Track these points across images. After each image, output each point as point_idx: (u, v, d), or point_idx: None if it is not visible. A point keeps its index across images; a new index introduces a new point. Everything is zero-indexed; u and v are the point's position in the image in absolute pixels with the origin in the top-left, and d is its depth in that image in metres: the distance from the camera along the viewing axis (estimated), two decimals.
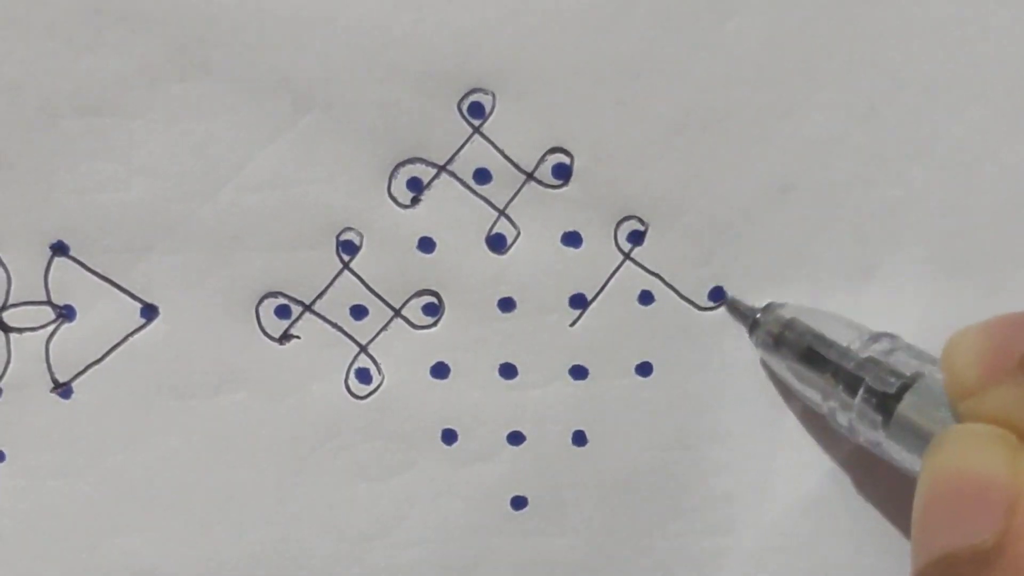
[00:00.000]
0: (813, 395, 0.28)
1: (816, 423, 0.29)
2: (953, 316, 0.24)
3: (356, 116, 0.28)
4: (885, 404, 0.25)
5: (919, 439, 0.24)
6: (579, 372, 0.30)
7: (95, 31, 0.27)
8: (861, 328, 0.28)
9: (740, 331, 0.30)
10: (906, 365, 0.26)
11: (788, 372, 0.29)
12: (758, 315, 0.29)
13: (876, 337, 0.27)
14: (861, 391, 0.26)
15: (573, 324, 0.30)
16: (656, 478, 0.30)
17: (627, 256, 0.30)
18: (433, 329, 0.30)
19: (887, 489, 0.29)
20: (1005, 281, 0.30)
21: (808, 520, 0.30)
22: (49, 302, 0.28)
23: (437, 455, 0.30)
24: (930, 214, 0.30)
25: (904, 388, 0.25)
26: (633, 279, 0.30)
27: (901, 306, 0.30)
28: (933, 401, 0.24)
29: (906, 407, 0.25)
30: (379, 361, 0.30)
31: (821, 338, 0.28)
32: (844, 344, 0.27)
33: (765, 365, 0.30)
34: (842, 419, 0.27)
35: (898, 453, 0.25)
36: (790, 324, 0.29)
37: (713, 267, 0.30)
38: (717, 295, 0.30)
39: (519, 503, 0.30)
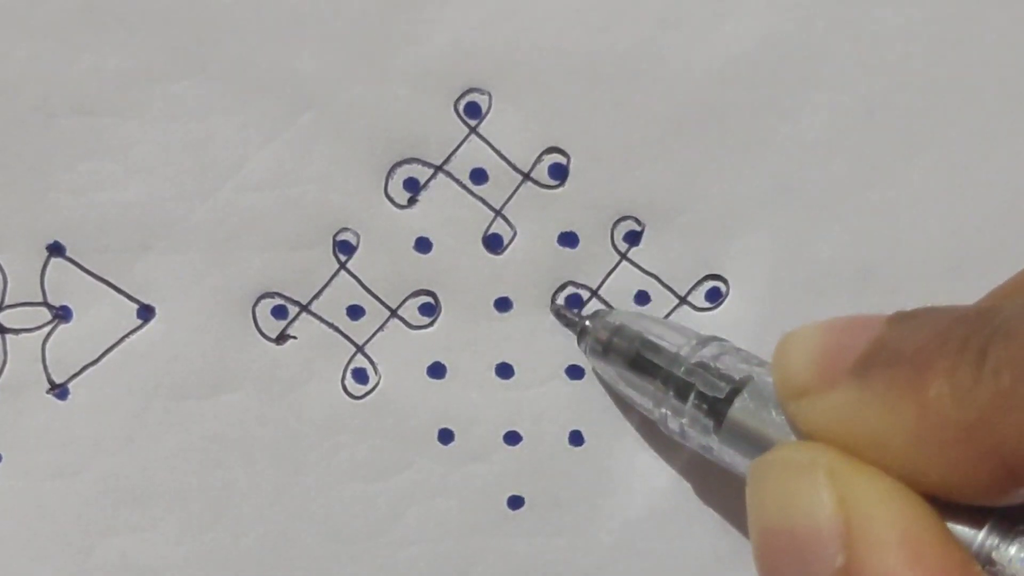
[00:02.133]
0: (644, 401, 0.27)
1: (655, 433, 0.29)
2: None
3: (353, 116, 0.28)
4: (716, 409, 0.25)
5: (750, 443, 0.23)
6: (575, 372, 0.30)
7: (91, 31, 0.27)
8: (689, 332, 0.27)
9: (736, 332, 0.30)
10: (735, 369, 0.25)
11: (619, 379, 0.28)
12: (586, 322, 0.29)
13: (704, 341, 0.27)
14: (692, 396, 0.25)
15: (569, 324, 0.30)
16: (652, 478, 0.30)
17: (623, 256, 0.30)
18: (430, 329, 0.30)
19: (725, 494, 0.29)
20: (1004, 280, 0.30)
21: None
22: (45, 303, 0.28)
23: (434, 455, 0.30)
24: (930, 214, 0.30)
25: (734, 392, 0.24)
26: (630, 279, 0.30)
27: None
28: (764, 404, 0.23)
29: (737, 411, 0.24)
30: (376, 361, 0.30)
31: (650, 343, 0.27)
32: (673, 349, 0.27)
33: (596, 373, 0.30)
34: (674, 425, 0.26)
35: (731, 457, 0.24)
36: (619, 330, 0.28)
37: (710, 268, 0.30)
38: (714, 296, 0.30)
39: (516, 503, 0.30)
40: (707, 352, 0.26)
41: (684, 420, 0.26)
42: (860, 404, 0.19)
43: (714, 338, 0.27)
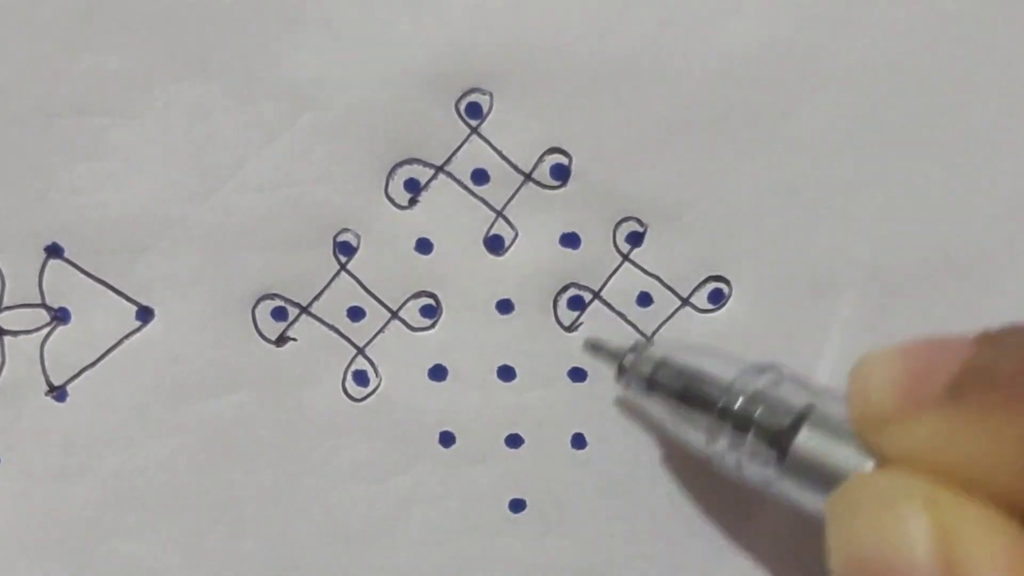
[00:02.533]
0: (695, 438, 0.26)
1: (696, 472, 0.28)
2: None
3: (353, 117, 0.28)
4: (779, 440, 0.23)
5: (818, 476, 0.22)
6: (578, 374, 0.30)
7: (91, 31, 0.27)
8: (739, 360, 0.26)
9: (738, 334, 0.30)
10: (795, 397, 0.24)
11: (667, 416, 0.27)
12: (626, 356, 0.28)
13: (759, 368, 0.25)
14: (753, 428, 0.24)
15: (571, 326, 0.30)
16: (654, 480, 0.30)
17: (626, 257, 0.29)
18: (431, 331, 0.29)
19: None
20: (1005, 281, 0.30)
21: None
22: (44, 305, 0.28)
23: (435, 457, 0.30)
24: (930, 214, 0.30)
25: (798, 421, 0.23)
26: (632, 280, 0.30)
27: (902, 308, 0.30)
28: (831, 433, 0.22)
29: (802, 442, 0.23)
30: (376, 363, 0.29)
31: (699, 375, 0.26)
32: (726, 379, 0.25)
33: (639, 411, 0.28)
34: (731, 460, 0.25)
35: (796, 491, 0.23)
36: (663, 363, 0.27)
37: (713, 269, 0.30)
38: (717, 297, 0.30)
39: (517, 506, 0.30)
40: (763, 380, 0.25)
41: (742, 454, 0.25)
42: (954, 430, 0.18)
43: (768, 365, 0.26)
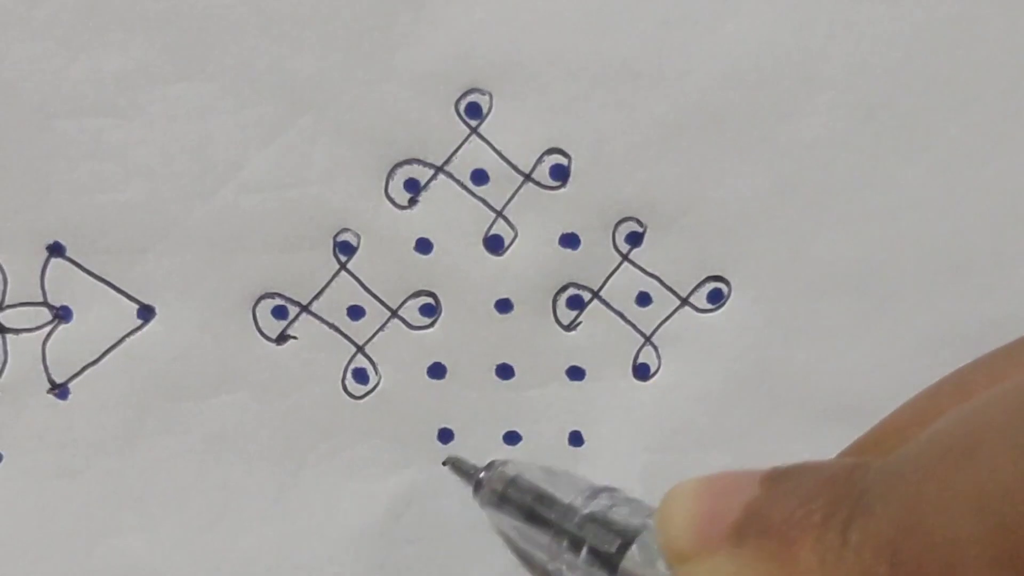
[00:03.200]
0: (540, 555, 0.27)
1: None
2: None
3: (353, 117, 0.28)
4: (609, 562, 0.24)
5: None
6: (576, 373, 0.30)
7: (92, 31, 0.27)
8: (582, 483, 0.27)
9: (738, 334, 0.30)
10: (627, 521, 0.25)
11: (514, 532, 0.28)
12: (481, 474, 0.29)
13: (595, 493, 0.26)
14: (584, 550, 0.25)
15: (570, 325, 0.30)
16: (651, 479, 0.30)
17: (625, 257, 0.29)
18: (430, 330, 0.30)
19: None
20: (1005, 281, 0.30)
21: None
22: (45, 303, 0.28)
23: (434, 455, 0.30)
24: (930, 214, 0.30)
25: (625, 546, 0.24)
26: (631, 280, 0.30)
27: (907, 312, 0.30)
28: (655, 557, 0.23)
29: (628, 565, 0.24)
30: (376, 361, 0.30)
31: (544, 496, 0.27)
32: (566, 501, 0.26)
33: (495, 525, 0.29)
34: None
35: None
36: (513, 482, 0.28)
37: (712, 269, 0.30)
38: (716, 297, 0.30)
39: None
40: (599, 503, 0.26)
41: (579, 574, 0.25)
42: (736, 572, 0.19)
43: (605, 488, 0.27)
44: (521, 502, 0.27)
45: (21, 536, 0.29)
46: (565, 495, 0.27)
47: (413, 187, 0.29)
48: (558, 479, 0.28)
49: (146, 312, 0.29)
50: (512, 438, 0.30)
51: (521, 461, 0.29)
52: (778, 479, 0.20)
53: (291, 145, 0.28)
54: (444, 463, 0.30)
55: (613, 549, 0.24)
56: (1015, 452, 0.16)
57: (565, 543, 0.26)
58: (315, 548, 0.30)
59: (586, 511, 0.26)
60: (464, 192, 0.29)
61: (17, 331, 0.28)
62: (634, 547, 0.24)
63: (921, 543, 0.16)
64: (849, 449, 0.22)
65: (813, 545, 0.18)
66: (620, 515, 0.25)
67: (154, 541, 0.29)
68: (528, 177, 0.29)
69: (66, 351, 0.28)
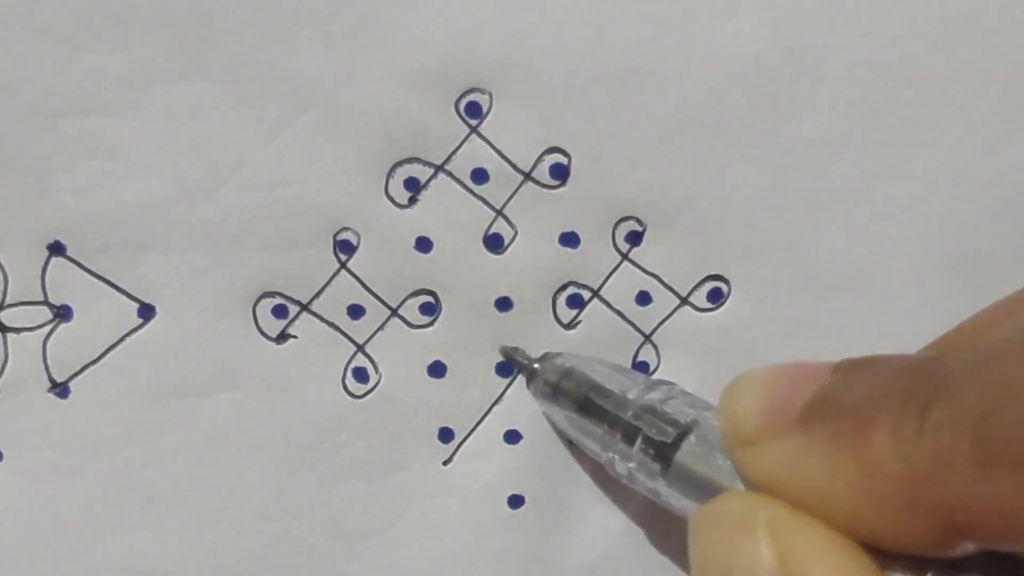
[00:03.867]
0: (593, 445, 0.27)
1: (606, 476, 0.28)
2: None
3: (353, 116, 0.28)
4: (663, 453, 0.24)
5: (697, 488, 0.23)
6: None
7: (93, 30, 0.27)
8: (638, 377, 0.27)
9: (738, 333, 0.30)
10: (683, 412, 0.25)
11: (567, 423, 0.28)
12: (535, 364, 0.29)
13: (653, 384, 0.26)
14: (639, 440, 0.25)
15: (570, 324, 0.30)
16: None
17: (625, 257, 0.30)
18: (430, 328, 0.30)
19: (678, 538, 0.29)
20: (1005, 281, 0.30)
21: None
22: (46, 302, 0.28)
23: (434, 454, 0.30)
24: (930, 214, 0.30)
25: (681, 436, 0.24)
26: (631, 279, 0.30)
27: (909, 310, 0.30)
28: (711, 449, 0.23)
29: (683, 456, 0.24)
30: (376, 360, 0.30)
31: (598, 387, 0.27)
32: (621, 393, 0.26)
33: (547, 417, 0.29)
34: (621, 469, 0.26)
35: (678, 501, 0.24)
36: (568, 373, 0.28)
37: (712, 268, 0.30)
38: (716, 296, 0.30)
39: (516, 501, 0.30)
40: (655, 396, 0.26)
41: (632, 464, 0.25)
42: (803, 456, 0.19)
43: (663, 382, 0.27)
44: (575, 393, 0.27)
45: (21, 535, 0.29)
46: (621, 387, 0.27)
47: (413, 186, 0.29)
48: (613, 372, 0.28)
49: (147, 311, 0.29)
50: (513, 436, 0.30)
51: (576, 354, 0.29)
52: (852, 366, 0.19)
53: (291, 144, 0.28)
54: (499, 351, 0.29)
55: (669, 439, 0.24)
56: None
57: (619, 434, 0.26)
58: (315, 547, 0.30)
59: (642, 402, 0.26)
60: (464, 191, 0.29)
61: (18, 330, 0.28)
62: (691, 437, 0.24)
63: (1012, 420, 0.16)
64: (924, 350, 0.22)
65: (889, 427, 0.17)
66: (676, 407, 0.25)
67: (154, 540, 0.29)
68: (528, 176, 0.29)
69: (67, 350, 0.29)
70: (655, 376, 0.29)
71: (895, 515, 0.17)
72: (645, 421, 0.25)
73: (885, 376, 0.18)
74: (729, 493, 0.21)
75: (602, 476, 0.29)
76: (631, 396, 0.26)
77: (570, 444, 0.30)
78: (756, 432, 0.20)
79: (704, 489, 0.22)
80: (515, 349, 0.29)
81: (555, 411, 0.28)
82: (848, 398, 0.18)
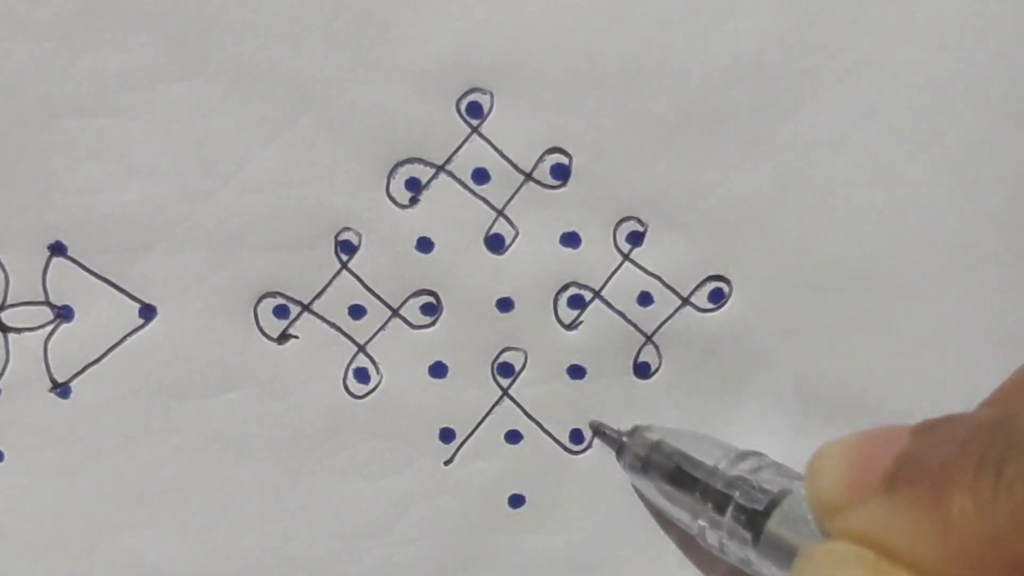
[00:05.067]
0: (683, 516, 0.28)
1: (694, 547, 0.29)
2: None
3: (354, 116, 0.28)
4: (754, 522, 0.25)
5: (789, 556, 0.24)
6: (577, 372, 0.30)
7: (93, 31, 0.27)
8: (727, 447, 0.28)
9: (739, 333, 0.30)
10: (773, 482, 0.26)
11: (658, 494, 0.29)
12: (624, 439, 0.30)
13: (743, 455, 0.27)
14: (730, 509, 0.26)
15: (572, 324, 0.30)
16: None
17: (626, 257, 0.30)
18: (431, 329, 0.30)
19: None
20: (1005, 280, 0.30)
21: None
22: (47, 302, 0.28)
23: (435, 454, 0.30)
24: (931, 212, 0.30)
25: (772, 505, 0.25)
26: (632, 280, 0.30)
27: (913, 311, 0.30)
28: (801, 517, 0.24)
29: (775, 524, 0.24)
30: (377, 361, 0.30)
31: (688, 458, 0.28)
32: (711, 463, 0.27)
33: (636, 489, 0.30)
34: (712, 538, 0.27)
35: (769, 570, 0.25)
36: (657, 446, 0.29)
37: (713, 268, 0.30)
38: (717, 297, 0.30)
39: (517, 501, 0.31)
40: (745, 466, 0.27)
41: (723, 533, 0.26)
42: (889, 521, 0.19)
43: (753, 452, 0.27)
44: (666, 465, 0.28)
45: (22, 535, 0.29)
46: (710, 458, 0.27)
47: (414, 186, 0.29)
48: (701, 443, 0.28)
49: (148, 311, 0.29)
50: (513, 437, 0.30)
51: (663, 427, 0.30)
52: (929, 429, 0.20)
53: (292, 144, 0.28)
54: (589, 426, 0.30)
55: (761, 507, 0.25)
56: None
57: (710, 504, 0.27)
58: (316, 547, 0.30)
59: (732, 472, 0.27)
60: (465, 191, 0.29)
61: (19, 330, 0.28)
62: (783, 506, 0.24)
63: None
64: (987, 402, 0.22)
65: (968, 487, 0.18)
66: (767, 477, 0.26)
67: (155, 540, 0.29)
68: (529, 176, 0.29)
69: (68, 350, 0.29)
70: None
71: (980, 573, 0.18)
72: (737, 489, 0.26)
73: (963, 435, 0.19)
74: (832, 541, 0.22)
75: (691, 547, 0.30)
76: (721, 467, 0.27)
77: (658, 515, 0.30)
78: (842, 500, 0.21)
79: (795, 557, 0.23)
80: (603, 424, 0.30)
81: (645, 483, 0.29)
82: (928, 460, 0.19)
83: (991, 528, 0.18)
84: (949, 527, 0.18)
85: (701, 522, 0.27)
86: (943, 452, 0.19)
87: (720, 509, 0.26)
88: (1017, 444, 0.18)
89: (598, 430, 0.30)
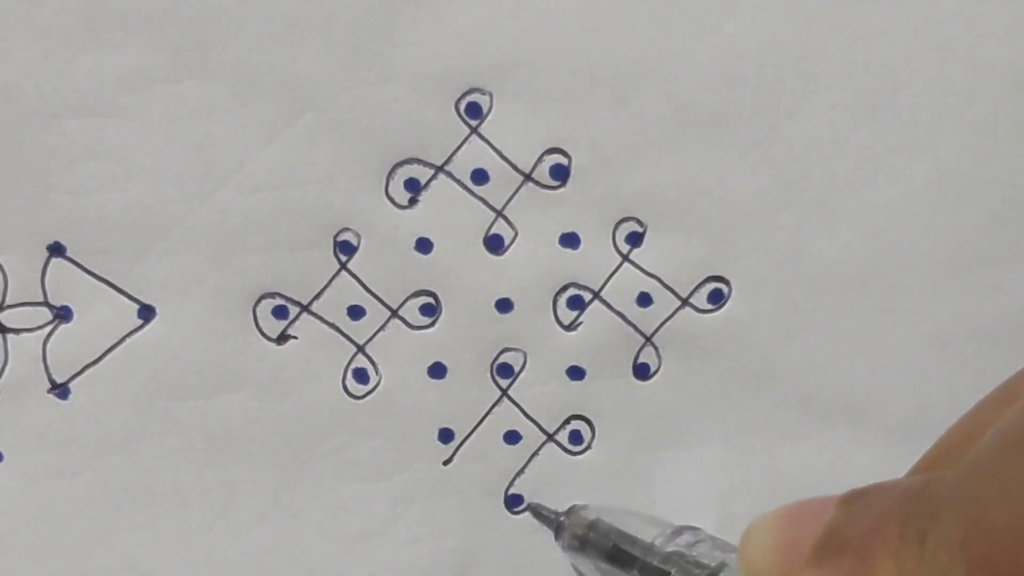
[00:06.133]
0: None
1: None
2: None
3: (353, 117, 0.28)
4: None
5: None
6: (576, 372, 0.30)
7: (92, 31, 0.27)
8: (664, 523, 0.28)
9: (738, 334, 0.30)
10: (710, 556, 0.26)
11: (597, 573, 0.29)
12: (562, 518, 0.30)
13: (679, 531, 0.27)
14: None
15: (571, 325, 0.30)
16: (651, 478, 0.30)
17: (625, 258, 0.30)
18: (430, 329, 0.30)
19: None
20: (1005, 280, 0.30)
21: None
22: (46, 303, 0.28)
23: (434, 454, 0.30)
24: (930, 214, 0.30)
25: None
26: (632, 280, 0.30)
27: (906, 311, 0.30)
28: None
29: None
30: (376, 361, 0.30)
31: (625, 536, 0.28)
32: (648, 540, 0.27)
33: (575, 568, 0.30)
34: None
35: None
36: (594, 524, 0.29)
37: (712, 269, 0.30)
38: (716, 297, 0.30)
39: (516, 501, 0.30)
40: (682, 540, 0.27)
41: None
42: None
43: (688, 528, 0.27)
44: (603, 543, 0.28)
45: (21, 536, 0.29)
46: (646, 535, 0.28)
47: (413, 187, 0.29)
48: (638, 520, 0.29)
49: (147, 312, 0.29)
50: (512, 438, 0.30)
51: (599, 505, 0.30)
52: (854, 499, 0.20)
53: (291, 145, 0.28)
54: (528, 507, 0.30)
55: None
56: None
57: None
58: (315, 548, 0.30)
59: (669, 548, 0.27)
60: (464, 192, 0.29)
61: (18, 331, 0.28)
62: None
63: (989, 539, 0.17)
64: (916, 467, 0.23)
65: (892, 557, 0.18)
66: (703, 551, 0.26)
67: (154, 541, 0.29)
68: (528, 177, 0.29)
69: (67, 351, 0.29)
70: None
71: None
72: (674, 566, 0.26)
73: (884, 506, 0.19)
74: None
75: None
76: (658, 543, 0.27)
77: None
78: (773, 574, 0.21)
79: None
80: (539, 505, 0.30)
81: (583, 562, 0.29)
82: (852, 531, 0.19)
83: None
84: None
85: None
86: (867, 522, 0.19)
87: None
88: (938, 514, 0.18)
89: (535, 511, 0.30)
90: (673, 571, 0.26)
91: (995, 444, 0.18)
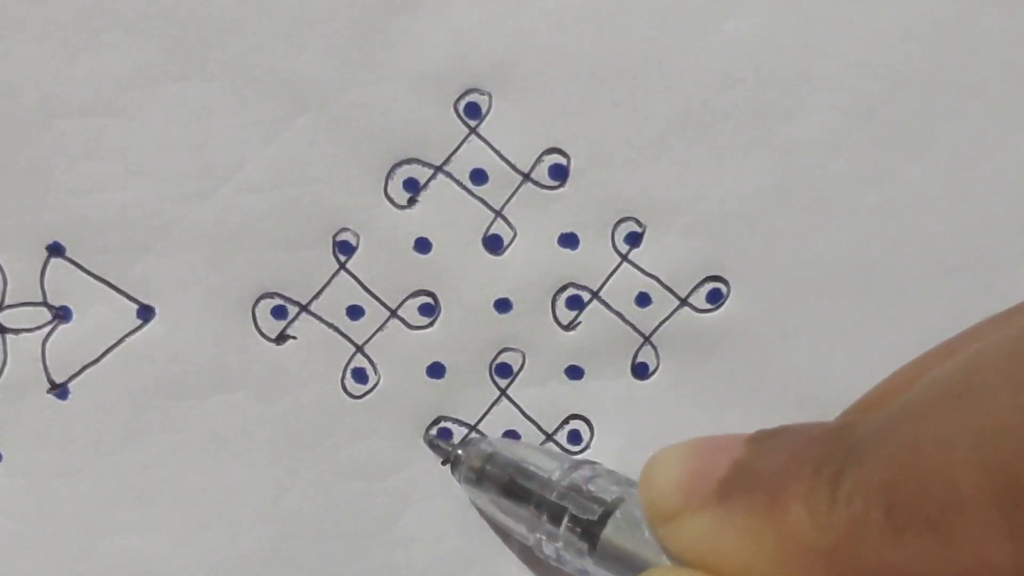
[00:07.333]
0: (520, 528, 0.27)
1: (534, 559, 0.29)
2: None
3: (352, 117, 0.28)
4: (589, 532, 0.24)
5: (626, 565, 0.23)
6: (575, 372, 0.30)
7: (91, 31, 0.27)
8: (562, 457, 0.28)
9: (737, 334, 0.30)
10: (608, 491, 0.25)
11: (493, 506, 0.28)
12: (458, 451, 0.29)
13: (576, 465, 0.27)
14: (565, 520, 0.25)
15: (570, 325, 0.30)
16: None
17: (624, 258, 0.30)
18: (429, 329, 0.30)
19: None
20: (1003, 280, 0.30)
21: None
22: (45, 303, 0.28)
23: (433, 454, 0.30)
24: (930, 214, 0.30)
25: (606, 514, 0.24)
26: (630, 281, 0.30)
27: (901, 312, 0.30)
28: (636, 525, 0.23)
29: (610, 533, 0.24)
30: (375, 361, 0.30)
31: (522, 469, 0.27)
32: (545, 474, 0.27)
33: (472, 501, 0.30)
34: (549, 550, 0.26)
35: None
36: (491, 458, 0.28)
37: (711, 269, 0.30)
38: (715, 297, 0.30)
39: None
40: (579, 475, 0.26)
41: (559, 544, 0.26)
42: (723, 529, 0.19)
43: (586, 461, 0.27)
44: (499, 477, 0.28)
45: (21, 536, 0.29)
46: (544, 469, 0.27)
47: (412, 187, 0.29)
48: (536, 454, 0.28)
49: (146, 312, 0.29)
50: (511, 437, 0.30)
51: (498, 439, 0.29)
52: (766, 437, 0.19)
53: (290, 145, 0.28)
54: (423, 440, 0.30)
55: (595, 517, 0.24)
56: (1013, 387, 0.15)
57: (545, 515, 0.26)
58: (314, 548, 0.30)
59: (566, 483, 0.26)
60: (463, 192, 0.29)
61: (17, 331, 0.28)
62: (616, 515, 0.24)
63: (917, 484, 0.16)
64: (837, 418, 0.22)
65: (802, 497, 0.18)
66: (601, 485, 0.25)
67: (154, 541, 0.29)
68: (527, 177, 0.29)
69: (66, 351, 0.29)
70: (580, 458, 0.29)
71: None
72: (571, 500, 0.25)
73: (798, 445, 0.18)
74: (654, 569, 0.21)
75: (530, 559, 0.30)
76: (555, 477, 0.26)
77: (497, 528, 0.30)
78: (676, 507, 0.20)
79: (632, 566, 0.22)
80: (436, 437, 0.30)
81: (480, 496, 0.29)
82: (763, 468, 0.19)
83: (827, 539, 0.17)
84: (783, 537, 0.18)
85: (537, 534, 0.26)
86: (779, 460, 0.18)
87: (555, 520, 0.26)
88: (855, 454, 0.17)
89: (431, 443, 0.30)
90: (570, 506, 0.25)
91: (936, 387, 0.17)
